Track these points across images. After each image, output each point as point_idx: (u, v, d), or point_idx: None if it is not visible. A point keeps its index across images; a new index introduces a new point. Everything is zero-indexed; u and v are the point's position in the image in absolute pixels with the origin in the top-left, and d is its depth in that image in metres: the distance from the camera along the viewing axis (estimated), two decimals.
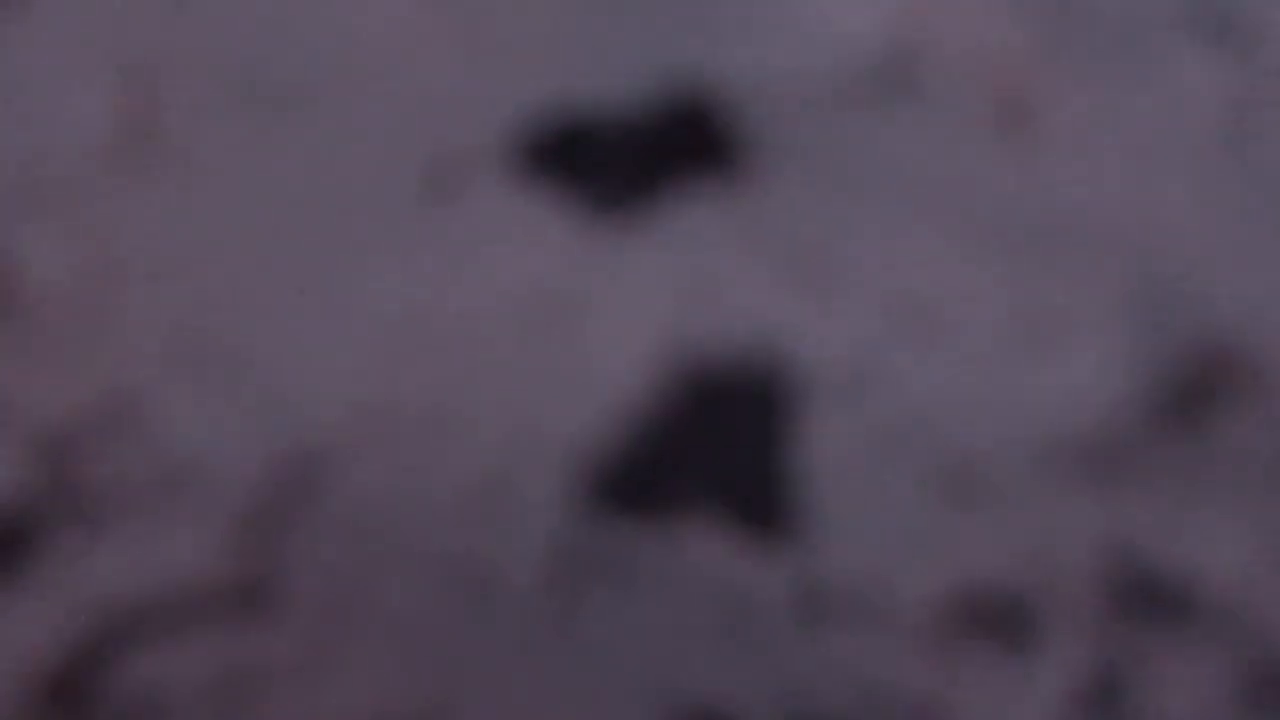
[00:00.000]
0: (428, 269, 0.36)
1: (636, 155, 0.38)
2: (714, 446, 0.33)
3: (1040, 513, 0.33)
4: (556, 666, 0.31)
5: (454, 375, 0.34)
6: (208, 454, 0.32)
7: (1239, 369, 0.35)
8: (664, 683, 0.31)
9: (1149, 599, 0.32)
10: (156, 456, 0.31)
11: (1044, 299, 0.36)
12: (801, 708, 0.30)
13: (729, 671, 0.31)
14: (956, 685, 0.31)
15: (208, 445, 0.32)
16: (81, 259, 0.35)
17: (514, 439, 0.33)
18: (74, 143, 0.38)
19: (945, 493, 0.33)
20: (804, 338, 0.35)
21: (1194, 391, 0.34)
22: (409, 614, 0.31)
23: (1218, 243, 0.38)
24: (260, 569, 0.30)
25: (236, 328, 0.34)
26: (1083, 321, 0.35)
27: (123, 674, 0.28)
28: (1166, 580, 0.32)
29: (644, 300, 0.35)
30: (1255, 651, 0.32)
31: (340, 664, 0.30)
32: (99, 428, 0.31)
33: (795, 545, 0.32)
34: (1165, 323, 0.36)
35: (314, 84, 0.40)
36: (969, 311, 0.35)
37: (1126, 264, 0.37)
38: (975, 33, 0.41)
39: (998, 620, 0.31)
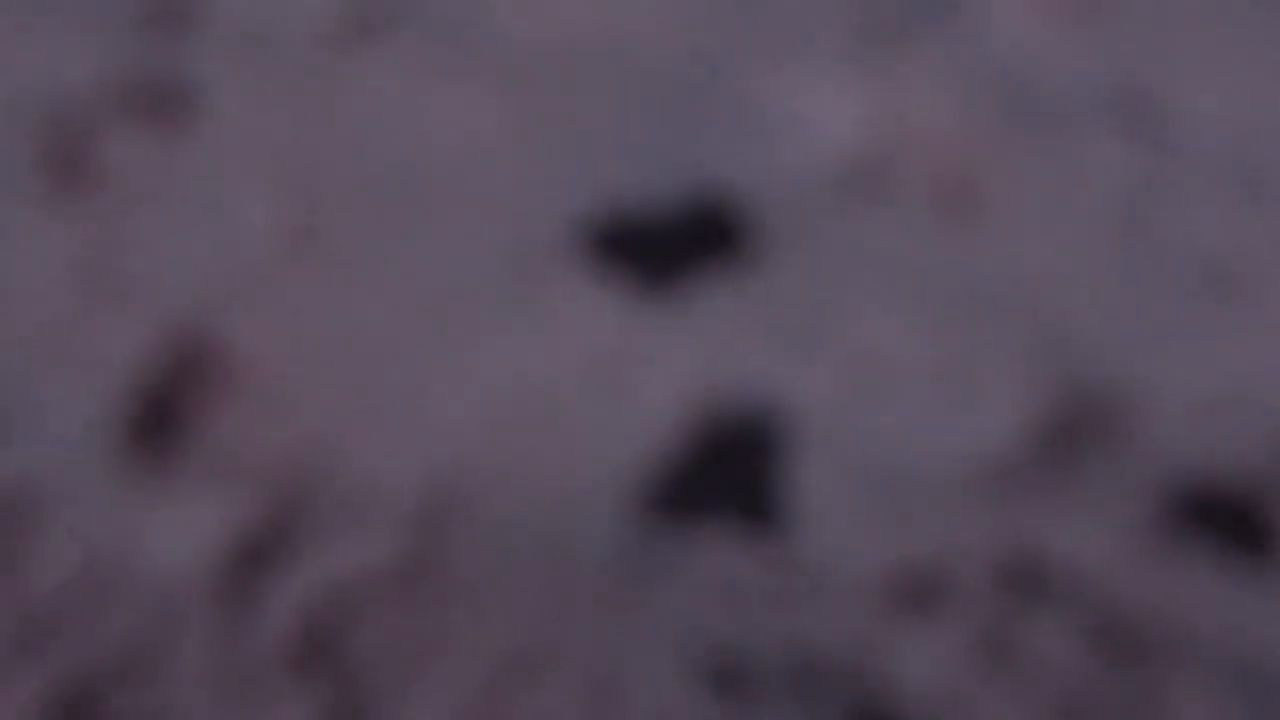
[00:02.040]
0: (516, 335, 0.49)
1: (669, 244, 0.51)
2: (727, 470, 0.47)
3: (954, 515, 0.46)
4: (620, 621, 0.44)
5: (540, 417, 0.48)
6: (385, 477, 0.45)
7: (1109, 412, 0.48)
8: (694, 634, 0.44)
9: (1030, 578, 0.45)
10: (351, 479, 0.45)
11: (966, 357, 0.49)
12: (789, 649, 0.44)
13: (739, 627, 0.44)
14: (889, 636, 0.44)
15: (385, 470, 0.45)
16: (275, 335, 0.49)
17: (585, 464, 0.47)
18: (253, 240, 0.51)
19: (888, 501, 0.46)
20: (794, 389, 0.48)
21: (1074, 428, 0.47)
22: (522, 585, 0.44)
23: (1108, 307, 0.51)
24: (424, 560, 0.44)
25: (394, 383, 0.48)
26: (994, 374, 0.48)
27: (350, 633, 0.42)
28: (1043, 565, 0.45)
29: (676, 360, 0.49)
30: (1105, 616, 0.45)
31: (480, 619, 0.44)
32: (307, 460, 0.45)
33: (784, 540, 0.46)
34: (1057, 374, 0.48)
35: (426, 188, 0.53)
36: (911, 367, 0.48)
37: (1033, 326, 0.50)
38: (932, 134, 0.53)
39: (919, 592, 0.45)
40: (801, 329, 0.49)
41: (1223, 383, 0.48)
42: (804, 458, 0.47)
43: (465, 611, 0.44)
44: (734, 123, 0.53)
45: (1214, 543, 0.46)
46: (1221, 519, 0.46)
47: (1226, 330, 0.49)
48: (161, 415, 0.46)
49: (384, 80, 0.55)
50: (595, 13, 0.55)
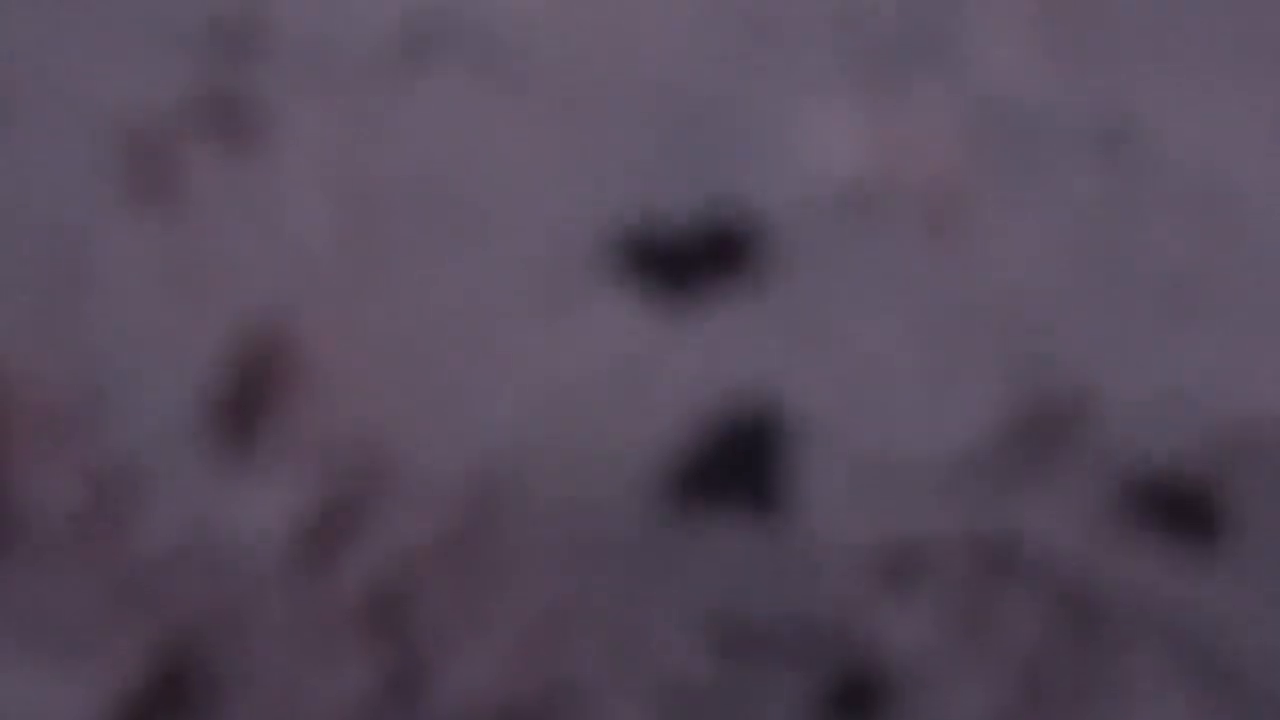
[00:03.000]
0: (551, 337, 0.56)
1: (688, 258, 0.57)
2: (736, 459, 0.53)
3: (936, 501, 0.52)
4: (640, 591, 0.51)
5: (573, 410, 0.54)
6: (437, 461, 0.52)
7: (1077, 412, 0.54)
8: (705, 603, 0.51)
9: (1002, 557, 0.52)
10: (408, 463, 0.52)
11: (951, 362, 0.55)
12: (788, 617, 0.50)
13: (745, 597, 0.51)
14: (876, 606, 0.51)
15: (437, 456, 0.52)
16: (338, 333, 0.55)
17: (612, 453, 0.53)
18: (317, 247, 0.58)
19: (878, 489, 0.53)
20: (797, 389, 0.54)
21: (1044, 426, 0.54)
22: (556, 559, 0.51)
23: (1079, 318, 0.57)
24: (473, 536, 0.51)
25: (443, 382, 0.54)
26: (975, 377, 0.54)
27: (409, 598, 0.49)
28: (1014, 546, 0.52)
29: (693, 361, 0.55)
30: (1069, 591, 0.51)
31: (519, 588, 0.50)
32: (369, 446, 0.52)
33: (785, 522, 0.52)
34: (1031, 378, 0.55)
35: (471, 202, 0.59)
36: (902, 371, 0.54)
37: (1012, 335, 0.56)
38: (927, 160, 0.59)
39: (903, 569, 0.51)
40: (805, 335, 0.55)
41: (1178, 386, 0.54)
42: (805, 450, 0.53)
43: (507, 581, 0.50)
44: (748, 147, 0.59)
45: (1166, 528, 0.52)
46: (1174, 507, 0.52)
47: (1183, 340, 0.55)
48: (241, 403, 0.53)
49: (434, 102, 0.62)
50: (625, 46, 0.61)
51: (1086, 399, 0.54)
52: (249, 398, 0.54)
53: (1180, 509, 0.52)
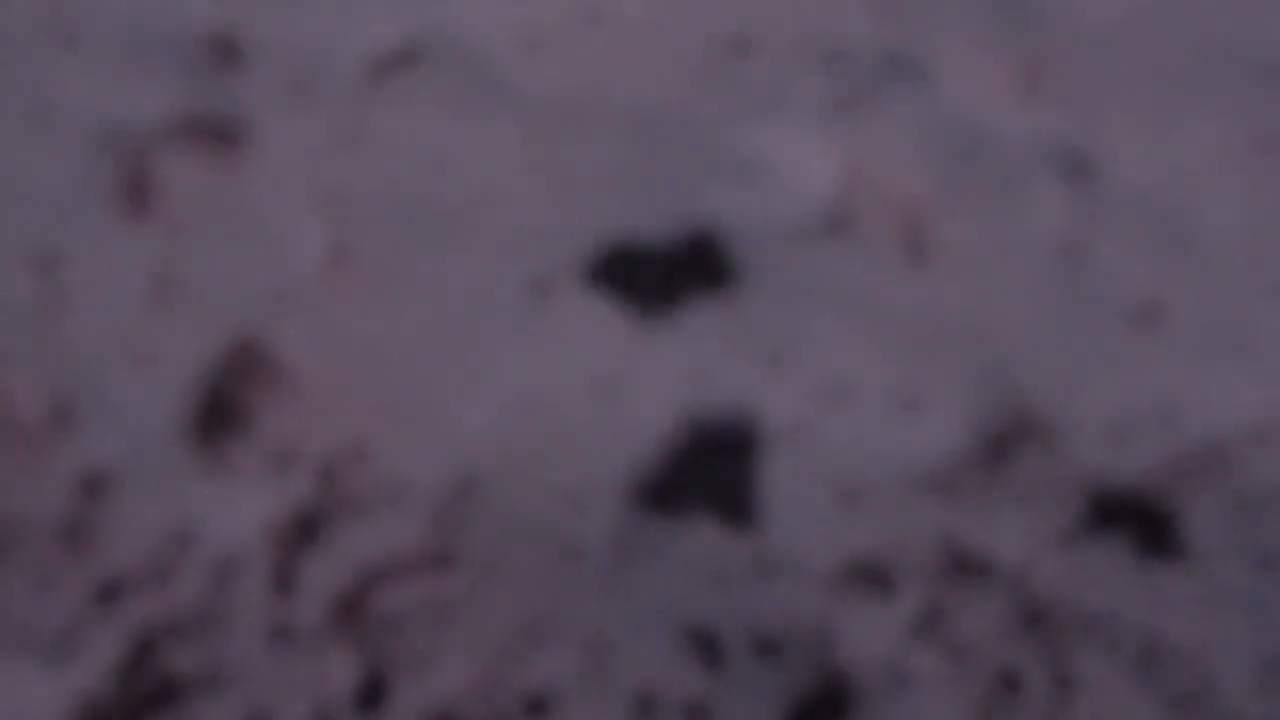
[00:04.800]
0: (527, 349, 0.57)
1: (664, 274, 0.59)
2: (708, 469, 0.54)
3: (901, 512, 0.53)
4: (613, 597, 0.52)
5: (548, 420, 0.55)
6: (412, 469, 0.53)
7: (1039, 428, 0.55)
8: (676, 609, 0.52)
9: (965, 567, 0.53)
10: (383, 470, 0.52)
11: (917, 378, 0.56)
12: (757, 623, 0.51)
13: (716, 603, 0.52)
14: (843, 613, 0.52)
15: (412, 464, 0.53)
16: (317, 343, 0.56)
17: (587, 462, 0.54)
18: (298, 260, 0.59)
19: (845, 499, 0.54)
20: (767, 401, 0.55)
21: (1008, 441, 0.55)
22: (529, 565, 0.52)
23: (1042, 337, 0.58)
24: (445, 543, 0.51)
25: (419, 391, 0.55)
26: (940, 393, 0.56)
27: (381, 602, 0.50)
28: (977, 556, 0.53)
29: (667, 374, 0.56)
30: (1030, 600, 0.52)
31: (492, 593, 0.51)
32: (345, 453, 0.52)
33: (755, 531, 0.53)
34: (995, 394, 0.56)
35: (450, 216, 0.60)
36: (869, 385, 0.56)
37: (976, 352, 0.57)
38: (894, 184, 0.61)
39: (869, 577, 0.52)
40: (776, 350, 0.57)
41: (1138, 405, 0.56)
42: (774, 461, 0.54)
43: (480, 587, 0.51)
44: (723, 170, 0.61)
45: (1124, 541, 0.53)
46: (1131, 522, 0.54)
47: (1143, 360, 0.57)
48: (219, 410, 0.53)
49: (415, 118, 0.63)
50: (604, 69, 0.63)
51: (1050, 417, 0.55)
52: (227, 406, 0.54)
53: (1140, 524, 0.54)
